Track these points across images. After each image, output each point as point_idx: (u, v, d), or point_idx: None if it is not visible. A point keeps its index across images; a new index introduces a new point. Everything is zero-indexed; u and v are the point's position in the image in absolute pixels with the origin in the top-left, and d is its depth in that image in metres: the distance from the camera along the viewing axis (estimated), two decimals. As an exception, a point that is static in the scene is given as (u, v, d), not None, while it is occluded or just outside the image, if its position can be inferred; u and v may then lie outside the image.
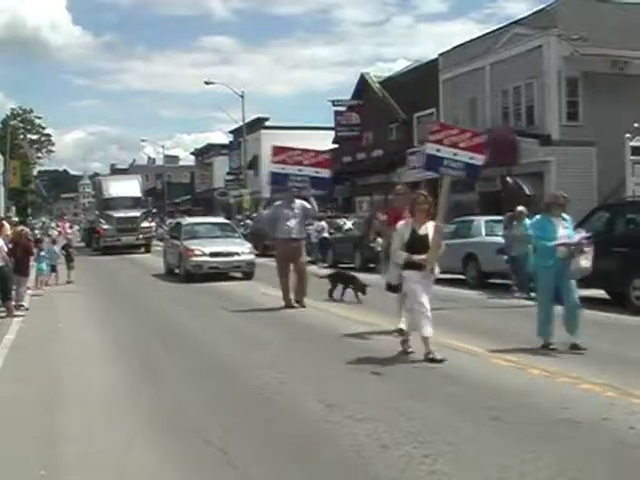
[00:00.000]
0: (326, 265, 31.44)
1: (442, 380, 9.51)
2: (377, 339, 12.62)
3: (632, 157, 27.68)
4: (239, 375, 10.17)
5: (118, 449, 6.94)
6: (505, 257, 20.58)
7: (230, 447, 6.85)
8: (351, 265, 28.59)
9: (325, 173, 17.31)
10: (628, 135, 28.01)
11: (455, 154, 11.90)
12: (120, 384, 9.74)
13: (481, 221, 24.40)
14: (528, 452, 6.55)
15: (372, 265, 23.05)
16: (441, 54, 44.06)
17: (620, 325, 14.82)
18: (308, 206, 17.55)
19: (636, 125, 28.37)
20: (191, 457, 6.66)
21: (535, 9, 39.20)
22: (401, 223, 11.38)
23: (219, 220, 33.19)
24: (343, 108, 53.56)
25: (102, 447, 7.02)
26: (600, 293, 18.50)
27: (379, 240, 13.98)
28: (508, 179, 34.26)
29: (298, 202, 17.54)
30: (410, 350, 11.14)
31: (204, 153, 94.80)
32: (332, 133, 54.44)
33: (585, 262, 11.56)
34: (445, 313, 14.84)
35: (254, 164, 69.65)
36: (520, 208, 20.87)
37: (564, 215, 11.92)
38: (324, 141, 49.81)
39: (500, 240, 21.23)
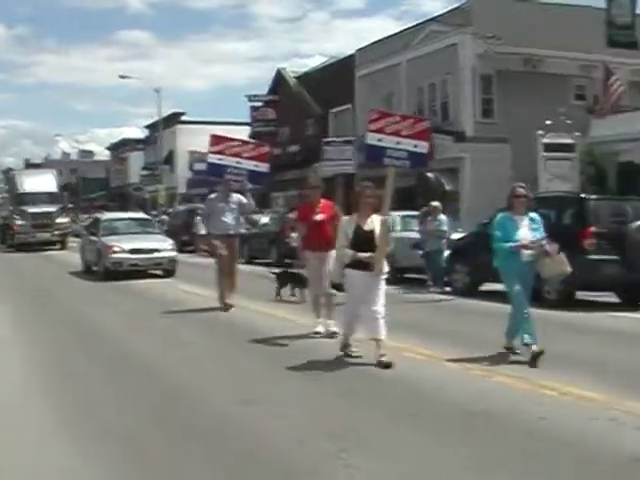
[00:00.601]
0: (242, 261, 31.32)
1: (359, 375, 9.56)
2: (304, 340, 12.51)
3: (544, 153, 28.24)
4: (156, 373, 10.03)
5: (30, 451, 6.79)
6: (420, 252, 20.78)
7: (144, 444, 6.80)
8: (268, 261, 28.55)
9: (264, 167, 16.27)
10: (540, 132, 28.56)
11: (398, 143, 11.16)
12: (33, 384, 9.53)
13: (396, 216, 24.59)
14: (442, 445, 6.63)
15: (288, 261, 23.00)
16: (358, 50, 44.29)
17: (535, 319, 15.05)
18: (244, 200, 16.48)
19: (548, 122, 28.91)
20: (105, 456, 6.56)
21: (451, 7, 39.66)
22: (344, 218, 10.70)
23: (139, 216, 32.43)
24: (259, 103, 53.52)
25: (13, 449, 6.87)
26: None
27: (293, 235, 14.01)
28: (429, 174, 34.60)
29: (234, 196, 16.44)
30: (355, 354, 10.51)
31: (119, 148, 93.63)
32: (248, 128, 54.29)
33: (560, 266, 10.56)
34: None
35: (170, 159, 69.17)
36: (434, 203, 21.09)
37: (531, 214, 10.65)
38: (240, 136, 49.51)
39: (415, 235, 21.42)
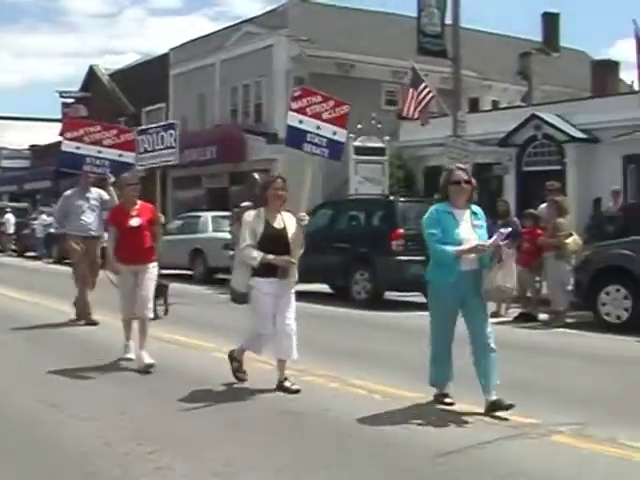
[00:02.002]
0: (51, 261, 30.47)
1: (167, 378, 9.39)
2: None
3: (355, 156, 28.71)
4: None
5: None
6: (231, 253, 20.73)
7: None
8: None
9: (130, 157, 13.75)
10: (352, 135, 29.00)
11: (318, 127, 9.71)
12: None
13: (208, 217, 24.49)
14: (253, 445, 6.58)
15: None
16: (172, 49, 43.82)
17: (342, 318, 15.27)
18: (106, 196, 13.59)
19: (359, 126, 29.41)
20: None
21: (267, 9, 39.82)
22: (251, 213, 8.83)
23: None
24: (71, 100, 52.11)
25: None
26: (324, 287, 19.05)
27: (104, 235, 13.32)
28: (255, 175, 34.57)
29: (95, 191, 14.07)
30: (244, 377, 9.06)
31: None
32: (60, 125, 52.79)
33: (503, 278, 7.88)
34: (174, 308, 14.77)
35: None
36: (245, 203, 21.07)
37: (474, 207, 7.99)
38: (53, 132, 48.28)
39: (227, 236, 21.36)
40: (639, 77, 23.75)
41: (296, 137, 9.79)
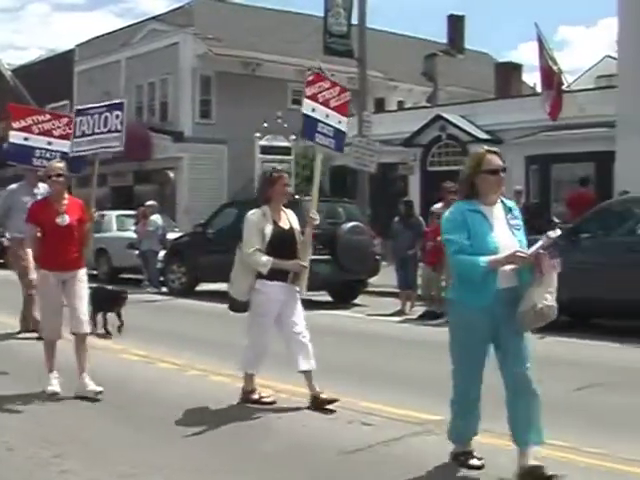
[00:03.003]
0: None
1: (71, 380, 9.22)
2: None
3: (261, 155, 28.68)
4: None
5: None
6: (136, 252, 20.53)
7: None
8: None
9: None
10: (258, 134, 29.00)
11: (327, 116, 8.97)
12: None
13: (112, 216, 24.20)
14: (159, 445, 6.52)
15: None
16: (77, 45, 43.20)
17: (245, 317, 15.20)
18: None
19: (265, 125, 29.41)
20: None
21: (173, 7, 39.54)
22: (256, 212, 7.95)
23: None
24: (-28, 95, 50.91)
25: None
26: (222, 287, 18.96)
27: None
28: (170, 174, 34.36)
29: (43, 187, 12.19)
30: (268, 399, 8.06)
31: None
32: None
33: (543, 295, 5.59)
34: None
35: None
36: (150, 202, 20.91)
37: (508, 202, 6.02)
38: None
39: (132, 235, 21.14)
40: (541, 79, 24.26)
41: (310, 127, 8.99)
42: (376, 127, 24.37)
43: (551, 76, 23.60)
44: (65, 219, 8.53)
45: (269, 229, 7.78)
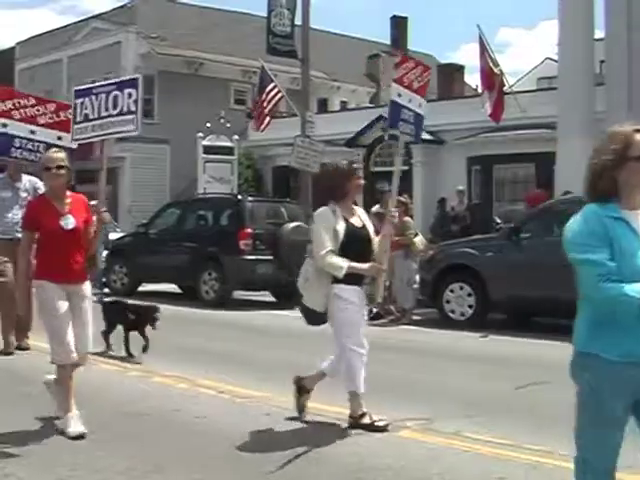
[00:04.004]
0: None
1: (10, 381, 9.08)
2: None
3: (204, 155, 28.57)
4: None
5: None
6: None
7: None
8: None
9: (67, 140, 9.94)
10: (200, 134, 28.88)
11: (410, 100, 8.14)
12: None
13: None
14: (100, 449, 6.42)
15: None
16: (18, 43, 42.70)
17: (191, 318, 15.15)
18: (42, 188, 9.99)
19: (208, 125, 29.28)
20: None
21: (115, 5, 39.28)
22: (324, 210, 7.01)
23: None
24: None
25: None
26: (172, 287, 18.88)
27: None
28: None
29: (27, 180, 10.93)
30: (382, 424, 7.00)
31: None
32: None
33: None
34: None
35: None
36: (93, 202, 20.66)
37: None
38: None
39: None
40: (482, 81, 24.45)
41: (396, 114, 8.09)
42: (319, 127, 24.37)
43: (492, 78, 23.78)
44: (70, 221, 6.99)
45: (341, 228, 6.87)
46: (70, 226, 6.97)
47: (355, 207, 7.27)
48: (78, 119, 8.71)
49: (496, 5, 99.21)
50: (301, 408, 7.36)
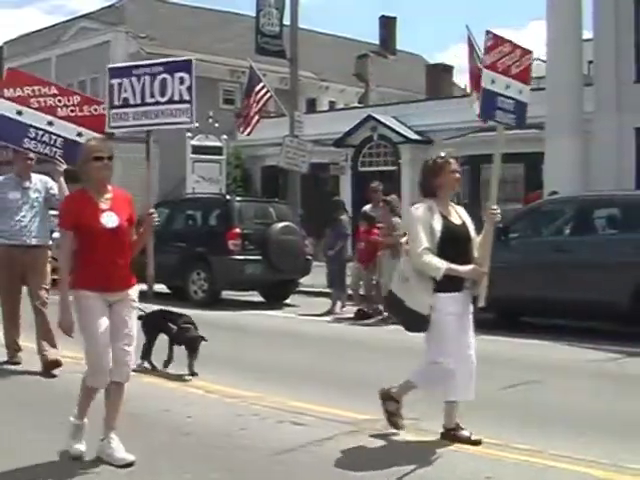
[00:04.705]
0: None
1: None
2: None
3: (192, 155, 28.52)
4: None
5: None
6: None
7: None
8: None
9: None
10: (189, 134, 28.82)
11: (507, 86, 7.46)
12: None
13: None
14: (88, 449, 6.39)
15: None
16: (6, 42, 42.61)
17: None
18: (54, 188, 9.33)
19: (197, 125, 29.17)
20: None
21: (104, 4, 39.23)
22: (420, 206, 6.47)
23: None
24: None
25: None
26: (161, 287, 18.83)
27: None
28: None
29: (37, 179, 9.51)
30: (402, 425, 6.85)
31: None
32: None
33: None
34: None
35: None
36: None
37: None
38: None
39: (57, 235, 20.85)
40: (470, 81, 24.47)
41: (489, 103, 7.44)
42: (308, 127, 24.37)
43: (481, 78, 23.79)
44: (113, 219, 6.08)
45: (439, 225, 6.31)
46: (112, 224, 6.04)
47: (454, 205, 6.65)
48: (116, 103, 7.71)
49: (485, 5, 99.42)
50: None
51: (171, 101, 7.48)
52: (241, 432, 6.93)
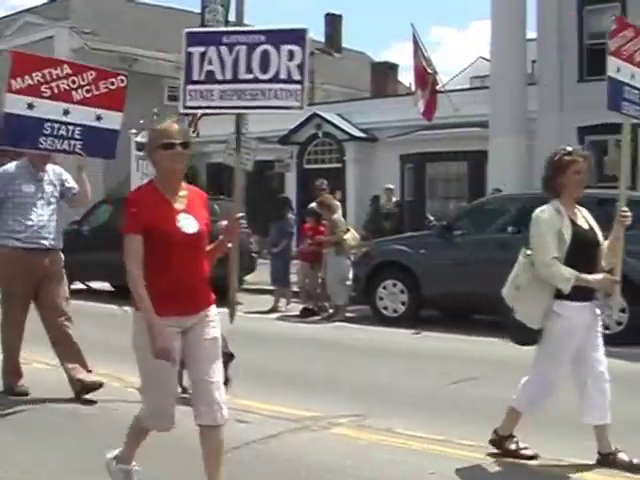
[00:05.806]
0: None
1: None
2: None
3: (137, 152, 28.26)
4: None
5: None
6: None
7: None
8: None
9: (113, 120, 8.37)
10: (133, 131, 28.52)
11: (632, 76, 6.70)
12: None
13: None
14: (43, 448, 6.35)
15: None
16: (-55, 37, 41.97)
17: (126, 316, 14.99)
18: (70, 181, 8.39)
19: (141, 122, 29.00)
20: None
21: (48, -1, 38.74)
22: (546, 209, 5.85)
23: None
24: None
25: None
26: (105, 285, 18.72)
27: None
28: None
29: (51, 170, 8.26)
30: (529, 453, 6.07)
31: None
32: None
33: None
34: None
35: None
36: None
37: None
38: None
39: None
40: (415, 79, 24.62)
41: (616, 93, 6.62)
42: (252, 124, 24.25)
43: (425, 76, 23.95)
44: (192, 223, 4.96)
45: (568, 231, 5.74)
46: (192, 230, 4.91)
47: (578, 207, 6.01)
48: (193, 77, 6.57)
49: (428, 4, 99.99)
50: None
51: (276, 79, 6.04)
52: (183, 431, 6.88)
